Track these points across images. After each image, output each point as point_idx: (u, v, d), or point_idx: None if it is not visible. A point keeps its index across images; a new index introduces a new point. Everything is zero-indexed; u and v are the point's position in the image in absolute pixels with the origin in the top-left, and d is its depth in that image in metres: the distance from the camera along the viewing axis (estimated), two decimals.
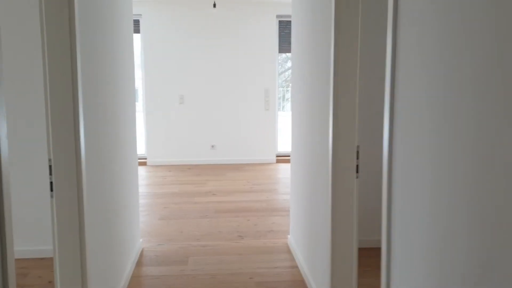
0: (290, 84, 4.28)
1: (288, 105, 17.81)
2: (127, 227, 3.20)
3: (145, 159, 7.57)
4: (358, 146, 2.43)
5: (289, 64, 17.25)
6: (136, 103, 16.07)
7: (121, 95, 3.06)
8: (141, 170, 7.13)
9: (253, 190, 5.77)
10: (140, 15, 7.31)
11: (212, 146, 7.58)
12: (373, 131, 3.33)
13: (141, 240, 3.78)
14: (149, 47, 7.35)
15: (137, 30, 7.41)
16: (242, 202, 5.21)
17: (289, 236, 3.87)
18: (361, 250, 2.71)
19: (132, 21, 3.54)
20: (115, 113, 2.86)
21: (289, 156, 7.69)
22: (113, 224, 2.77)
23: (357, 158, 2.43)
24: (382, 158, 1.61)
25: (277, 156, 7.70)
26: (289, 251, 3.69)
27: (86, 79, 2.16)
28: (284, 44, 7.70)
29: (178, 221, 4.50)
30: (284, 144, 8.51)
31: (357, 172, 2.44)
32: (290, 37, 7.73)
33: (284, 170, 7.11)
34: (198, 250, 3.72)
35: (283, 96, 14.88)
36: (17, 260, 3.37)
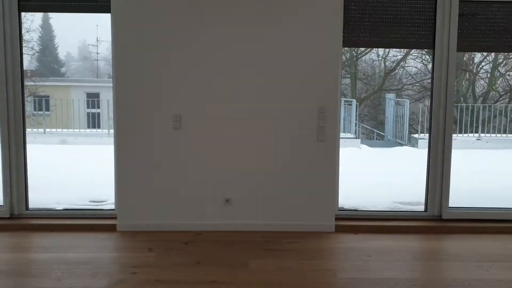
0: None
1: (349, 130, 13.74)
2: None
3: (115, 219, 4.55)
4: None
5: None
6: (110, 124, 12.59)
7: None
8: (102, 247, 4.08)
9: None
10: None
11: (227, 201, 4.52)
12: None
13: None
14: (123, 35, 4.36)
15: (106, 9, 4.46)
16: None
17: None
18: None
19: None
20: None
21: (361, 220, 4.53)
22: None
23: None
24: None
25: (336, 219, 4.55)
26: None
27: None
28: (355, 34, 4.56)
29: None
30: (350, 196, 5.27)
31: None
32: (365, 21, 4.63)
33: (359, 253, 3.94)
34: None
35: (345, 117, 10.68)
36: None
